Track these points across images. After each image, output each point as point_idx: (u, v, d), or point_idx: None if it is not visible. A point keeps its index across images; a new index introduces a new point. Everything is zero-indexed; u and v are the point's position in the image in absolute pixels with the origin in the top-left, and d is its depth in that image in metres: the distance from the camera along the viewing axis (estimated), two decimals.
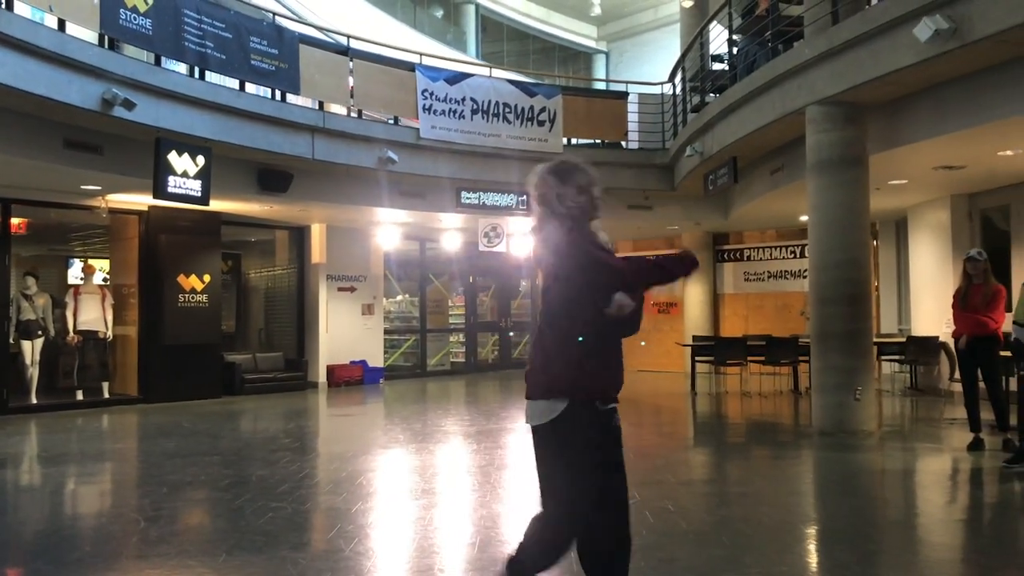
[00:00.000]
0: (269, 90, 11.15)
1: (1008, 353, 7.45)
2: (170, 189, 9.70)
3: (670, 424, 10.77)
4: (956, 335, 7.57)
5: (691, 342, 14.29)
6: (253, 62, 10.54)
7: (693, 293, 16.93)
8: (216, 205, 12.18)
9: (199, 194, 10.11)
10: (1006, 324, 7.42)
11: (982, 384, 7.52)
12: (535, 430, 2.93)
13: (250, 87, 10.91)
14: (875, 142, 8.81)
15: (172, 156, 9.68)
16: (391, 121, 12.72)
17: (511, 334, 19.03)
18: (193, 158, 9.93)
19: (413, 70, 12.54)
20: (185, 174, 9.86)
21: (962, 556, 4.67)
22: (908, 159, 9.33)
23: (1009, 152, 8.96)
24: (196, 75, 10.18)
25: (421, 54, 13.18)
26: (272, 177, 11.55)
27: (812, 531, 5.19)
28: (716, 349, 13.10)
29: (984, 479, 6.64)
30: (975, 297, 7.39)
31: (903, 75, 7.68)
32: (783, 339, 12.61)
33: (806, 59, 8.69)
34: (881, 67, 7.72)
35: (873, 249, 14.89)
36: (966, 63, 7.33)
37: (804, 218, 11.50)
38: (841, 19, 8.36)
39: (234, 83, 10.74)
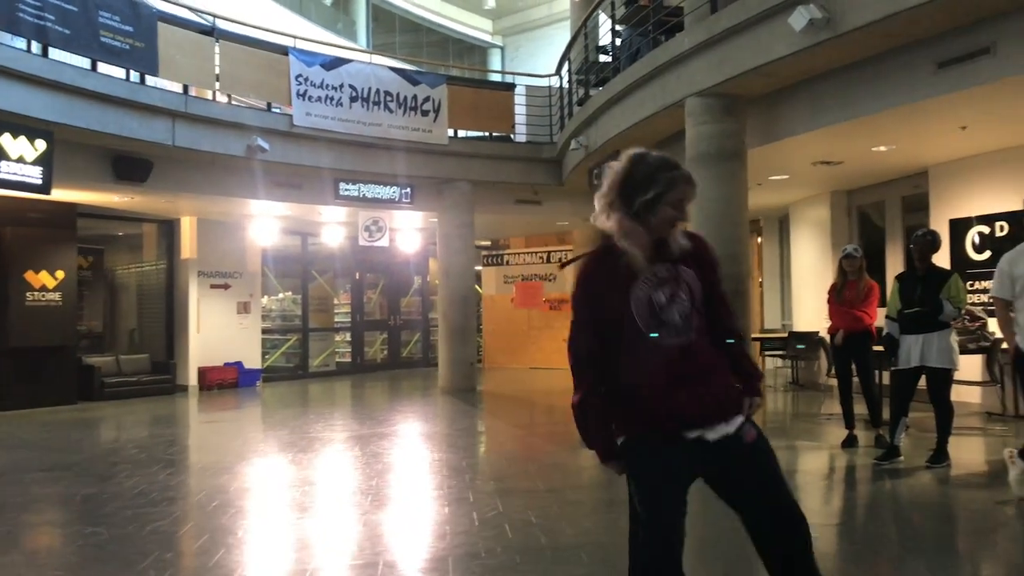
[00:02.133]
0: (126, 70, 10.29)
1: (881, 348, 7.42)
2: (1, 175, 8.75)
3: (549, 424, 10.47)
4: (832, 331, 7.50)
5: None
6: (103, 39, 9.66)
7: None
8: (68, 195, 11.27)
9: (39, 181, 9.18)
10: (879, 320, 7.39)
11: (856, 379, 7.48)
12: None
13: (107, 68, 10.03)
14: (754, 135, 8.70)
15: (5, 139, 8.74)
16: (265, 107, 11.99)
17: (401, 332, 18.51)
18: (31, 142, 9.00)
19: (287, 54, 11.83)
20: (21, 159, 8.92)
21: (838, 566, 4.43)
22: (787, 153, 9.28)
23: (883, 148, 9.00)
24: (42, 52, 9.25)
25: (295, 37, 12.47)
26: (129, 165, 10.67)
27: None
28: None
29: (857, 477, 6.54)
30: (850, 293, 7.32)
31: (779, 66, 7.55)
32: None
33: (685, 50, 8.49)
34: (758, 58, 7.57)
35: (757, 245, 15.07)
36: (840, 55, 7.25)
37: None
38: (720, 8, 8.18)
39: (85, 61, 9.85)
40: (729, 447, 2.48)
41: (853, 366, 7.41)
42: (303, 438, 8.73)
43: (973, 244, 9.52)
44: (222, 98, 11.45)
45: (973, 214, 9.48)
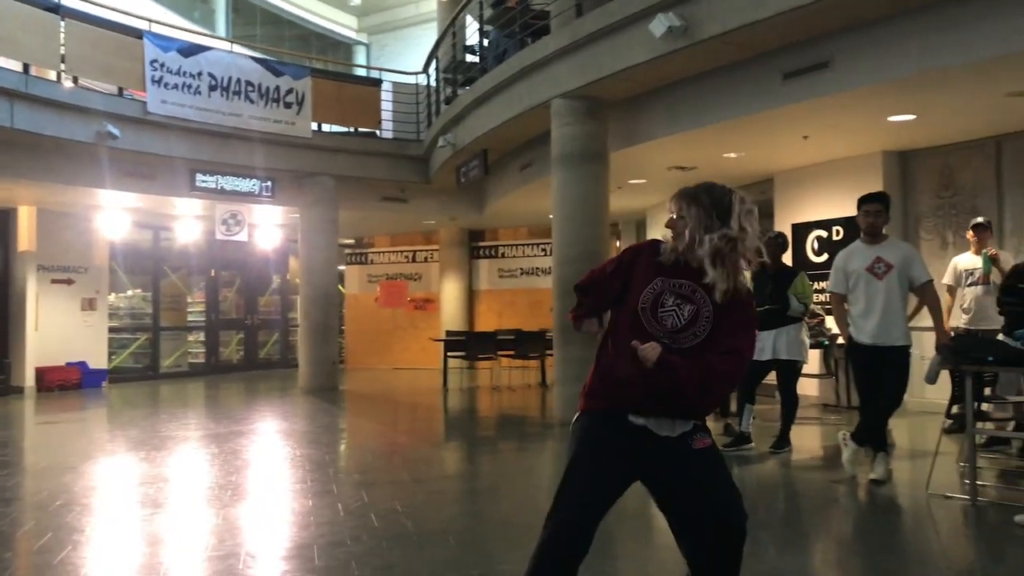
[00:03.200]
0: None
1: None
2: None
3: (412, 421, 10.46)
4: None
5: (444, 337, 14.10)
6: None
7: (449, 290, 16.82)
8: None
9: None
10: None
11: None
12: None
13: None
14: (615, 139, 9.00)
15: None
16: (116, 92, 11.36)
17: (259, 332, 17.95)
18: None
19: (141, 37, 11.26)
20: None
21: None
22: (645, 158, 9.65)
23: (733, 155, 9.51)
24: None
25: (150, 20, 11.90)
26: None
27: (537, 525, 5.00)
28: (468, 344, 13.00)
29: None
30: None
31: (639, 72, 7.86)
32: (531, 333, 12.74)
33: (551, 52, 8.70)
34: (619, 62, 7.85)
35: (616, 248, 15.56)
36: (696, 63, 7.62)
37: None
38: (585, 13, 8.43)
39: None
40: (674, 448, 2.56)
41: None
42: (155, 437, 8.33)
43: (813, 247, 10.20)
44: (69, 81, 10.78)
45: (813, 219, 10.17)
